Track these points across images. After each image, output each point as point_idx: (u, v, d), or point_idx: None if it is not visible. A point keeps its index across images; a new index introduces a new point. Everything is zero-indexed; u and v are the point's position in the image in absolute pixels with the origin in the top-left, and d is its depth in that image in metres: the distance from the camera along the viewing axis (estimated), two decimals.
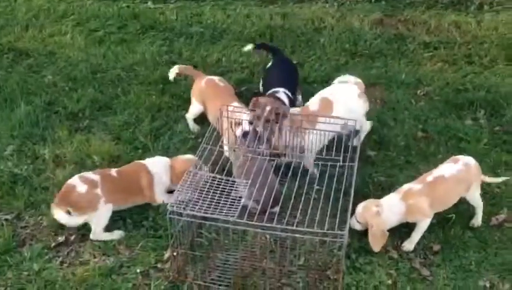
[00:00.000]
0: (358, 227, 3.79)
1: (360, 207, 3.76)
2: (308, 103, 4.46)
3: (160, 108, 5.15)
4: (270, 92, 4.68)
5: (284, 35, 6.40)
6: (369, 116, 5.02)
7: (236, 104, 4.45)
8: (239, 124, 4.18)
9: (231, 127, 4.17)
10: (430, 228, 3.86)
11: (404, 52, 6.13)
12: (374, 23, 6.59)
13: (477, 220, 3.94)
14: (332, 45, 6.21)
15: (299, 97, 5.06)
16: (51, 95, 5.33)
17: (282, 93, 4.64)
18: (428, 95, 5.41)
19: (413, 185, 3.80)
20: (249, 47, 5.53)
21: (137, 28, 6.55)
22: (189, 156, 4.19)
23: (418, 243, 3.78)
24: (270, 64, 5.18)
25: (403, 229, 3.85)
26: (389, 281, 3.54)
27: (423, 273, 3.60)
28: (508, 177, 4.13)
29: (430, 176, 3.83)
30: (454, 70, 5.81)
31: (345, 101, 4.39)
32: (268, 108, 4.05)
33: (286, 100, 4.58)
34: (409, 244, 3.78)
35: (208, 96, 4.75)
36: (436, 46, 6.21)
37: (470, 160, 3.91)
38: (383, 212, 3.68)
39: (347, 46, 6.21)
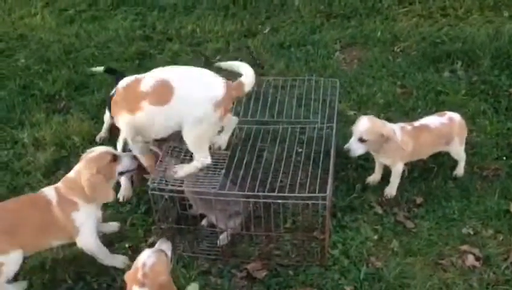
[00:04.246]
0: (361, 149, 3.60)
1: (364, 124, 3.58)
2: None
3: None
4: None
5: (258, 1, 6.33)
6: (346, 76, 5.04)
7: None
8: None
9: None
10: (413, 182, 3.91)
11: (379, 9, 6.10)
12: None
13: (460, 171, 3.99)
14: (306, 7, 6.16)
15: None
16: (26, 79, 5.27)
17: None
18: (405, 50, 5.40)
19: (406, 125, 3.77)
20: (98, 69, 4.89)
21: (108, 4, 6.45)
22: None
23: (402, 197, 3.83)
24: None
25: (384, 187, 3.90)
26: (375, 237, 3.59)
27: (408, 226, 3.65)
28: None
29: (417, 122, 3.82)
30: (430, 24, 5.80)
31: None
32: None
33: None
34: (390, 189, 3.82)
35: None
36: (411, 1, 6.19)
37: (455, 115, 3.89)
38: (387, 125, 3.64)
39: (322, 7, 6.17)
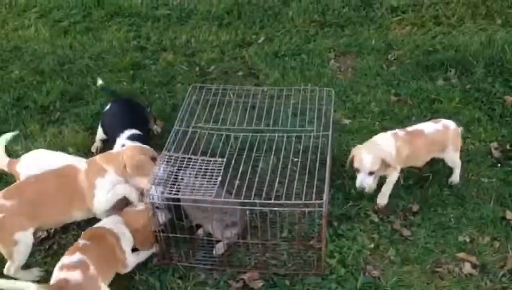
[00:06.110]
0: (375, 180, 3.76)
1: (366, 158, 3.62)
2: None
3: (131, 95, 5.07)
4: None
5: (252, 11, 6.35)
6: (341, 84, 5.05)
7: None
8: None
9: None
10: (408, 189, 3.91)
11: (372, 18, 6.13)
12: None
13: (455, 178, 3.99)
14: (300, 16, 6.18)
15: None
16: (20, 90, 5.24)
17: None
18: (399, 59, 5.43)
19: (398, 131, 3.81)
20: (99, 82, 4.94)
21: (102, 15, 6.45)
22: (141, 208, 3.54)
23: (397, 205, 3.83)
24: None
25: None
26: (372, 245, 3.58)
27: (404, 234, 3.65)
28: None
29: (410, 128, 3.85)
30: (423, 32, 5.84)
31: None
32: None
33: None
34: (382, 198, 3.82)
35: None
36: (404, 9, 6.22)
37: (450, 123, 3.93)
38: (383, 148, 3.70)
39: (316, 16, 6.19)
